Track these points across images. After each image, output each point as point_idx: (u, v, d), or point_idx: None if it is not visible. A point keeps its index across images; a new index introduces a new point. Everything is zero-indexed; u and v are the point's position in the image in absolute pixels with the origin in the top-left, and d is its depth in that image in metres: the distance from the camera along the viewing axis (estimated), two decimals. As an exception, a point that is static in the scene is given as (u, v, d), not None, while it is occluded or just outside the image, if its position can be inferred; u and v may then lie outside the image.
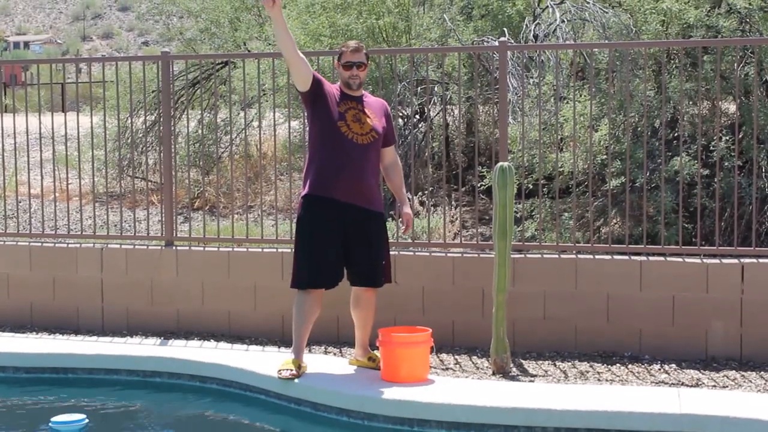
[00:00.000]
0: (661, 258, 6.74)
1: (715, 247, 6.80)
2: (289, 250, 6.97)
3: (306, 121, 6.80)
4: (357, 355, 6.43)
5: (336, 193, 6.02)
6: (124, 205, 10.58)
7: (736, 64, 7.72)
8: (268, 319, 7.23)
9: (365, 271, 6.16)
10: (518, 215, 7.26)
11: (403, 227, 6.37)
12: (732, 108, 9.35)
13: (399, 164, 6.42)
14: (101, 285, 7.64)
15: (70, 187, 11.62)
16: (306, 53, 7.98)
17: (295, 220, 6.28)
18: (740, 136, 8.06)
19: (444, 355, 6.70)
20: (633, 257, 6.76)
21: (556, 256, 6.91)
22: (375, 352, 6.33)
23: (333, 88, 6.18)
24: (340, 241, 6.07)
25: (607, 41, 8.91)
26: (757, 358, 6.47)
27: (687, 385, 6.00)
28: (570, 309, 6.75)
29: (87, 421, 5.87)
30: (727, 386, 5.98)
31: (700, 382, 6.06)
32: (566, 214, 8.40)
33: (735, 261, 6.57)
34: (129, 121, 10.69)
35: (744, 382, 6.07)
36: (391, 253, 6.94)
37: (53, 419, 5.84)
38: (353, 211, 6.05)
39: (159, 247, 7.65)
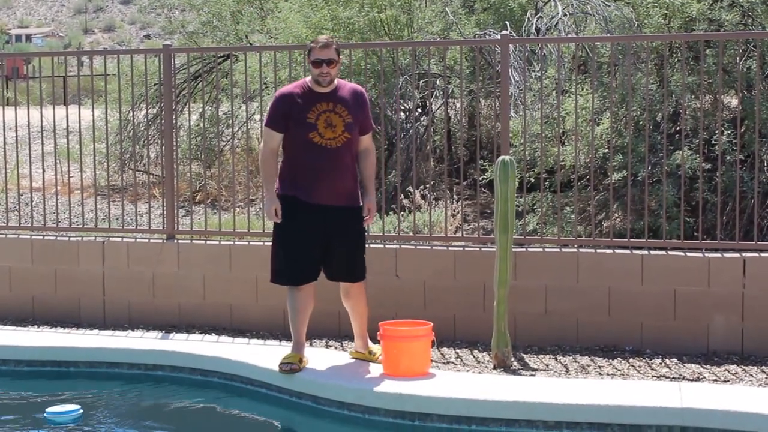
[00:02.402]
0: (663, 252, 6.74)
1: (716, 241, 6.79)
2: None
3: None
4: (357, 347, 6.43)
5: (315, 197, 6.03)
6: (125, 199, 10.58)
7: (738, 58, 7.70)
8: (269, 312, 7.23)
9: (344, 267, 6.17)
10: (520, 209, 7.24)
11: (366, 217, 6.25)
12: (734, 102, 9.33)
13: (372, 152, 6.32)
14: (103, 278, 7.64)
15: (71, 180, 11.63)
16: (305, 47, 8.01)
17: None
18: (742, 130, 8.05)
19: (445, 349, 6.70)
20: (635, 251, 6.75)
21: (558, 250, 6.90)
22: (376, 345, 6.33)
23: (299, 94, 6.05)
24: (320, 239, 6.08)
25: (609, 35, 8.89)
26: (758, 353, 6.47)
27: (688, 380, 6.00)
28: (571, 303, 6.75)
29: (81, 411, 5.89)
30: (728, 380, 5.98)
31: (701, 377, 6.06)
32: (568, 208, 8.39)
33: (737, 255, 6.57)
34: (131, 114, 10.70)
35: (745, 376, 6.07)
36: (392, 247, 6.96)
37: (48, 409, 5.87)
38: (333, 211, 6.06)
39: (160, 241, 7.65)
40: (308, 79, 6.15)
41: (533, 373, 6.18)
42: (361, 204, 6.21)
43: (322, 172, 6.02)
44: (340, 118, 6.05)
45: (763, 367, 6.26)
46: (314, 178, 6.03)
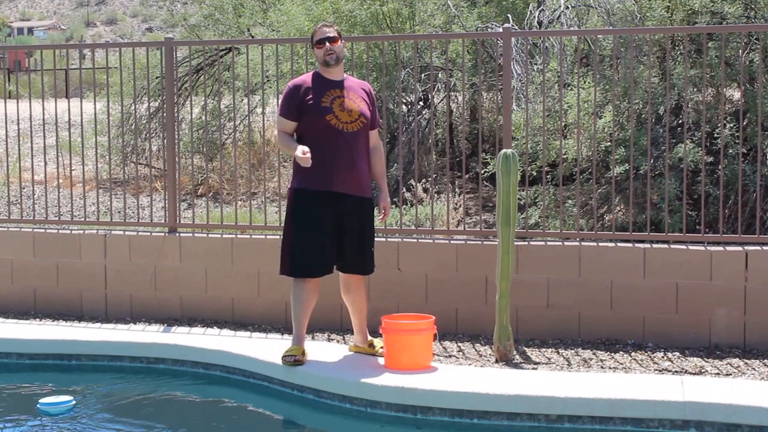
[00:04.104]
0: (665, 245, 6.73)
1: (719, 235, 6.78)
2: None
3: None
4: (357, 341, 6.43)
5: (332, 185, 6.01)
6: (127, 192, 10.58)
7: (740, 51, 7.69)
8: (271, 305, 7.24)
9: (356, 258, 6.17)
10: (522, 202, 7.25)
11: (381, 215, 6.34)
12: (736, 95, 9.32)
13: (381, 149, 6.39)
14: (105, 271, 7.64)
15: (73, 173, 11.64)
16: (307, 40, 8.00)
17: (286, 208, 6.24)
18: (745, 123, 8.04)
19: (447, 343, 6.70)
20: (637, 245, 6.75)
21: (560, 243, 6.90)
22: (376, 339, 6.33)
23: (310, 82, 6.11)
24: (335, 230, 6.07)
25: (611, 27, 8.88)
26: (760, 346, 6.47)
27: (690, 373, 6.00)
28: (573, 296, 6.75)
29: (74, 402, 5.90)
30: (730, 374, 5.98)
31: (703, 370, 6.06)
32: (570, 201, 8.39)
33: (739, 248, 6.56)
34: (133, 107, 10.70)
35: (747, 369, 6.07)
36: (394, 240, 6.95)
37: (41, 401, 5.88)
38: (347, 200, 6.05)
39: (162, 234, 7.65)
40: (318, 69, 6.20)
41: (535, 366, 6.18)
42: (371, 195, 6.23)
43: (340, 157, 6.00)
44: (354, 104, 6.09)
45: (765, 360, 6.25)
46: (333, 164, 5.99)
